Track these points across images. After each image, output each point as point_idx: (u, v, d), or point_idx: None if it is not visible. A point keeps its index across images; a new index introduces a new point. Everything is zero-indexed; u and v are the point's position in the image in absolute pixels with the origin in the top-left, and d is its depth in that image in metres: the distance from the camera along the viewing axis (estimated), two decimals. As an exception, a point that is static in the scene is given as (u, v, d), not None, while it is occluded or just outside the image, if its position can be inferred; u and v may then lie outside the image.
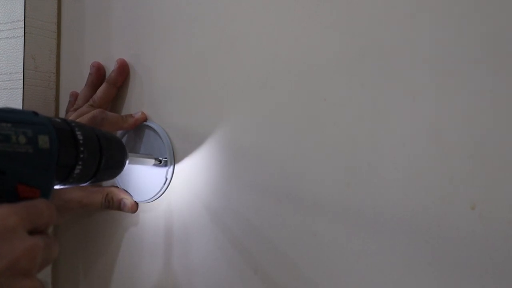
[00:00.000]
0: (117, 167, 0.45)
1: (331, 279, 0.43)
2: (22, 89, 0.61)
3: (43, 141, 0.34)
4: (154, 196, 0.55)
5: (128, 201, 0.56)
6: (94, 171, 0.41)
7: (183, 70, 0.54)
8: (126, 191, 0.57)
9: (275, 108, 0.47)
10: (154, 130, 0.55)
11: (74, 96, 0.61)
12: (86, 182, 0.41)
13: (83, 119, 0.53)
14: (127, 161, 0.47)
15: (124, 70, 0.58)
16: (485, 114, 0.36)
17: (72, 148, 0.38)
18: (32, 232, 0.32)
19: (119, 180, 0.58)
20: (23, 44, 0.61)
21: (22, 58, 0.61)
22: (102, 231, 0.61)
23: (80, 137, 0.39)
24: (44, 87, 0.64)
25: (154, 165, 0.54)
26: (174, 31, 0.55)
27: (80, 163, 0.38)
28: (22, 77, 0.61)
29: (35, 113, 0.35)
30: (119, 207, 0.56)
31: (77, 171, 0.39)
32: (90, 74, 0.60)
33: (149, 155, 0.54)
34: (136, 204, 0.57)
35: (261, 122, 0.48)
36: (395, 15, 0.40)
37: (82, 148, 0.39)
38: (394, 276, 0.40)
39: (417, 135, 0.39)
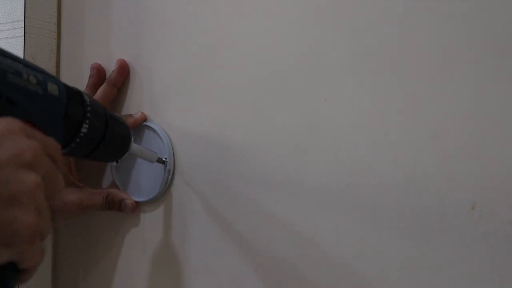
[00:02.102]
0: (122, 142, 0.46)
1: (331, 279, 0.43)
2: (22, 89, 0.61)
3: (52, 88, 0.36)
4: (154, 196, 0.55)
5: (128, 201, 0.56)
6: (100, 138, 0.42)
7: (183, 70, 0.54)
8: (126, 193, 0.57)
9: (275, 108, 0.47)
10: (154, 130, 0.55)
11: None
12: (90, 150, 0.42)
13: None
14: (131, 146, 0.47)
15: (124, 71, 0.58)
16: (485, 114, 0.36)
17: (80, 105, 0.40)
18: None
19: (119, 180, 0.58)
20: (23, 44, 0.61)
21: (22, 58, 0.61)
22: (102, 231, 0.61)
23: (87, 99, 0.41)
24: (44, 87, 0.64)
25: (157, 161, 0.53)
26: (174, 31, 0.55)
27: (87, 121, 0.40)
28: (22, 77, 0.61)
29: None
30: (119, 207, 0.56)
31: (84, 129, 0.40)
32: (90, 76, 0.60)
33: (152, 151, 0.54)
34: (137, 204, 0.57)
35: (261, 122, 0.48)
36: (395, 14, 0.40)
37: (89, 108, 0.40)
38: (394, 276, 0.40)
39: (417, 135, 0.39)
